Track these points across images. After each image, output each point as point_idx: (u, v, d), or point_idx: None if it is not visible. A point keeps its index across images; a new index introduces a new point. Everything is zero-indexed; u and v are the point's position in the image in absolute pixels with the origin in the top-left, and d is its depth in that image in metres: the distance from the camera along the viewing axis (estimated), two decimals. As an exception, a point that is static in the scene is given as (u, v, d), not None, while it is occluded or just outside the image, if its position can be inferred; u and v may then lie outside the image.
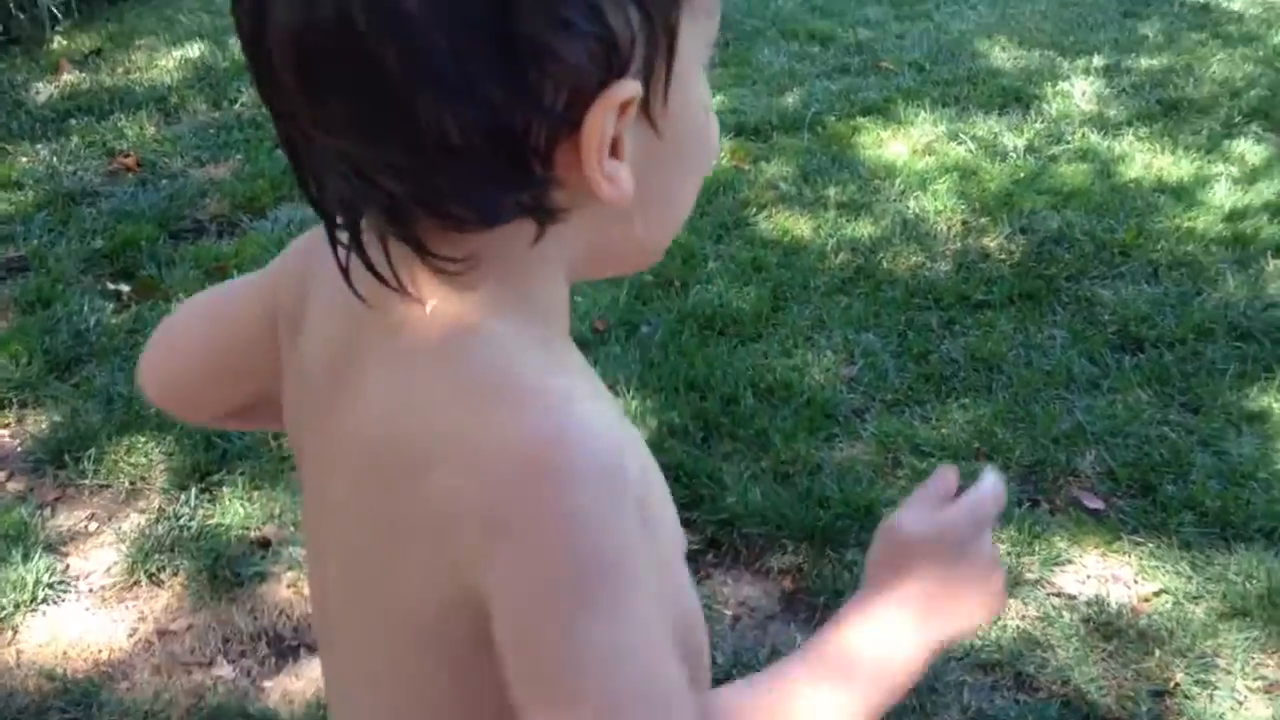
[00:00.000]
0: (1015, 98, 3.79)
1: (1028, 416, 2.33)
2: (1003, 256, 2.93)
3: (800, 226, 3.03)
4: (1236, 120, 3.63)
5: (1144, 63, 4.04)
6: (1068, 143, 3.50)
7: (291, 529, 2.06)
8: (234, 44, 4.15)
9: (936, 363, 2.49)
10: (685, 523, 2.25)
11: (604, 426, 0.57)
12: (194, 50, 4.10)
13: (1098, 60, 4.03)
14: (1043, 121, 3.63)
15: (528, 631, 0.54)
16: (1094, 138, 3.52)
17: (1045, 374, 2.46)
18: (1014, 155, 3.42)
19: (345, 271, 0.61)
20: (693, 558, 2.01)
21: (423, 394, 0.60)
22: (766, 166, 3.35)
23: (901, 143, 3.49)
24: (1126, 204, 3.15)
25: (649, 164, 0.59)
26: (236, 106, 3.71)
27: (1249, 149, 3.44)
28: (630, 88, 0.56)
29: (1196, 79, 3.91)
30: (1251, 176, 3.29)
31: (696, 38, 0.59)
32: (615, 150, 0.56)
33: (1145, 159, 3.40)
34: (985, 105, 3.74)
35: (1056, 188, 3.24)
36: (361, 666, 0.67)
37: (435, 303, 0.60)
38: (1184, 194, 3.20)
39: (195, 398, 0.82)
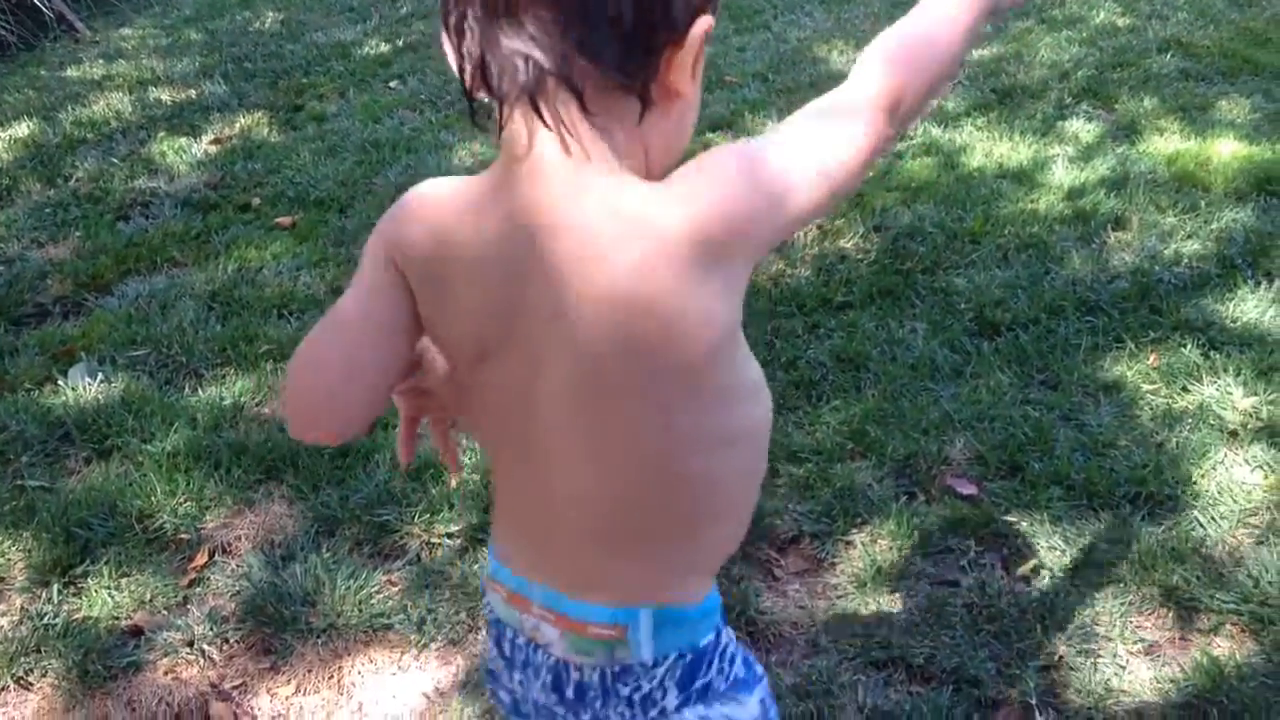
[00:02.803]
0: (858, 99, 3.89)
1: (897, 411, 2.37)
2: (860, 256, 2.99)
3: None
4: (1067, 101, 3.78)
5: (975, 54, 4.16)
6: (911, 139, 3.59)
7: (164, 613, 1.99)
8: (65, 119, 4.03)
9: (805, 368, 2.52)
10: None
11: None
12: (23, 129, 3.96)
13: (932, 55, 4.15)
14: (886, 120, 3.72)
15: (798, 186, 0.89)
16: (935, 131, 3.62)
17: (910, 368, 2.51)
18: (861, 156, 3.49)
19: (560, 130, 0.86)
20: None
21: (624, 222, 0.86)
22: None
23: (752, 154, 3.54)
24: (972, 193, 3.24)
25: (690, 84, 0.88)
26: (72, 183, 3.59)
27: (1081, 128, 3.58)
28: (710, 20, 0.86)
29: (1026, 65, 4.06)
30: (1086, 154, 3.42)
31: None
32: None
33: (986, 147, 3.50)
34: (830, 109, 3.82)
35: (905, 184, 3.32)
36: (610, 436, 0.95)
37: (581, 161, 0.87)
38: (1025, 177, 3.31)
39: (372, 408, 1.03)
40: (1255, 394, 2.32)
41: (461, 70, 0.88)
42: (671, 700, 1.07)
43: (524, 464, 1.03)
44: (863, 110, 0.91)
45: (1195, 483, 2.12)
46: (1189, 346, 2.48)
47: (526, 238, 0.89)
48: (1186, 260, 2.81)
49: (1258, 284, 2.68)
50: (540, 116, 0.85)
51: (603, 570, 1.04)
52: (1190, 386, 2.37)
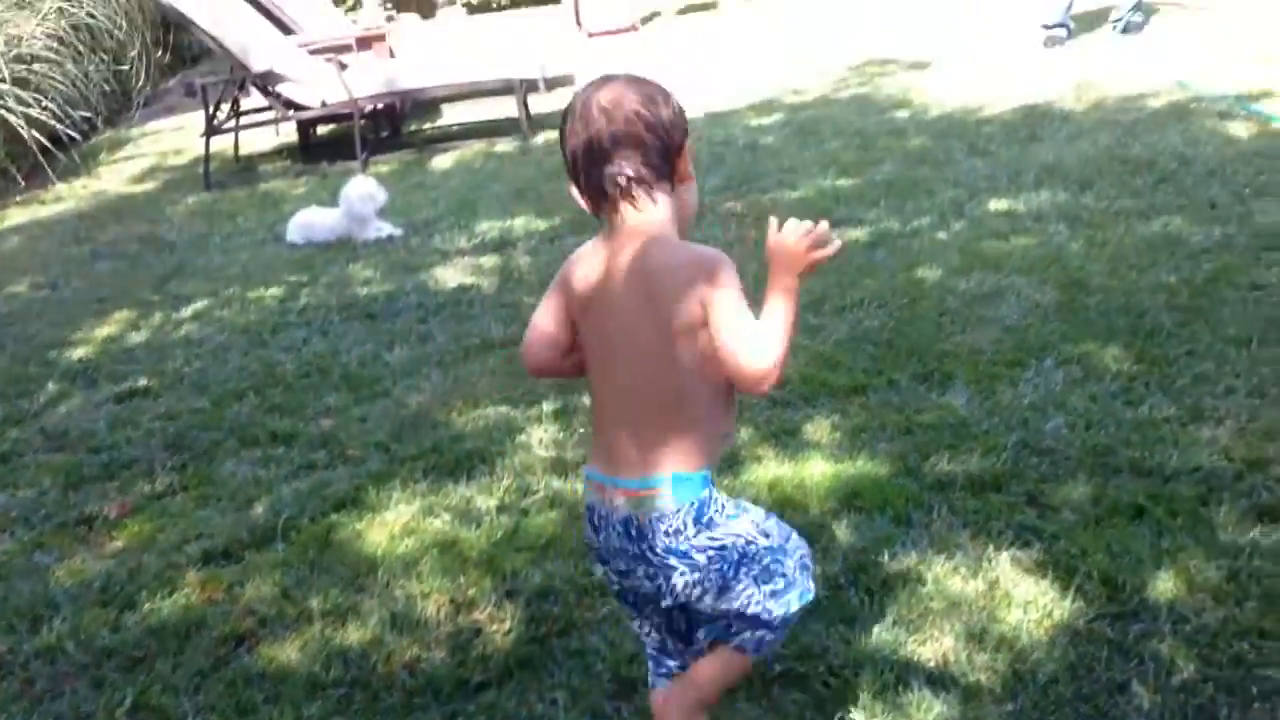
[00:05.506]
0: (481, 459, 3.93)
1: (544, 800, 2.28)
2: (495, 627, 2.95)
3: (286, 651, 2.89)
4: (675, 439, 4.01)
5: (587, 400, 4.37)
6: (535, 493, 3.67)
7: None
8: None
9: (446, 767, 2.40)
10: None
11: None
12: None
13: (548, 406, 4.31)
14: (510, 476, 3.79)
15: (722, 309, 1.90)
16: (557, 483, 3.72)
17: (553, 746, 2.45)
18: (489, 518, 3.52)
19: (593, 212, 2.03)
20: None
21: (656, 259, 1.95)
22: (241, 591, 3.20)
23: (379, 531, 3.49)
24: (598, 542, 3.32)
25: (690, 171, 2.05)
26: None
27: (690, 464, 3.79)
28: (688, 142, 2.02)
29: (634, 407, 4.31)
30: (697, 489, 3.61)
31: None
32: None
33: (606, 494, 3.63)
34: (454, 473, 3.85)
35: (533, 542, 3.36)
36: (642, 369, 1.97)
37: (643, 223, 1.98)
38: (645, 520, 3.44)
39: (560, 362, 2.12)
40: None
41: (585, 198, 2.00)
42: (688, 529, 1.97)
43: (600, 388, 2.06)
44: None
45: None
46: (811, 676, 2.58)
47: (610, 261, 1.99)
48: (797, 587, 2.97)
49: (862, 601, 2.87)
50: (631, 202, 1.95)
51: (642, 457, 1.97)
52: (817, 720, 2.44)
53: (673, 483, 1.95)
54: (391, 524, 3.52)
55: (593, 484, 2.05)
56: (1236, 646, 2.53)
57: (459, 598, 3.10)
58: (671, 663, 2.20)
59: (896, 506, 3.32)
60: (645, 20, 13.80)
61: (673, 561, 1.97)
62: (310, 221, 6.90)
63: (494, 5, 16.17)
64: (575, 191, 2.01)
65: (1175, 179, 5.88)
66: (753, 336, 1.88)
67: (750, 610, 2.04)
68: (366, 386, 4.68)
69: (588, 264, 2.02)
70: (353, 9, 15.03)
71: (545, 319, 2.09)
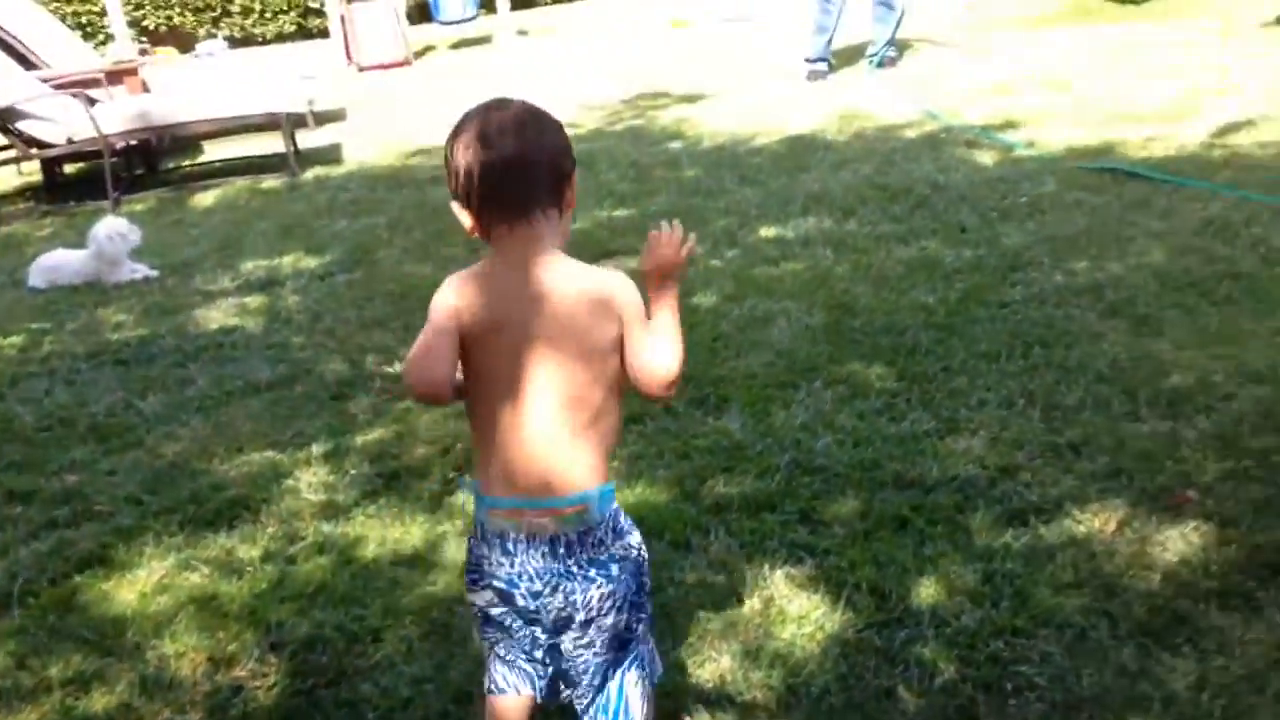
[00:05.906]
0: (245, 507, 3.72)
1: None
2: (257, 684, 2.77)
3: (18, 727, 2.63)
4: (451, 475, 3.91)
5: (360, 440, 4.22)
6: (303, 539, 3.49)
7: None
8: None
9: (199, 840, 2.22)
10: None
11: None
12: None
13: (317, 449, 4.13)
14: (275, 524, 3.60)
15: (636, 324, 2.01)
16: (327, 528, 3.55)
17: (319, 806, 2.30)
18: (251, 569, 3.33)
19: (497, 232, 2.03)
20: None
21: (567, 279, 2.00)
22: (-32, 666, 2.90)
23: (128, 590, 3.24)
24: (370, 586, 3.18)
25: (574, 198, 2.06)
26: None
27: (468, 500, 3.69)
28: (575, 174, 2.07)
29: (409, 444, 4.17)
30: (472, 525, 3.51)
31: None
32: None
33: (379, 535, 3.49)
34: (214, 523, 3.62)
35: (300, 590, 3.19)
36: (563, 388, 1.99)
37: (539, 243, 2.00)
38: (420, 560, 3.32)
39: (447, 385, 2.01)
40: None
41: (475, 216, 2.00)
42: (609, 539, 2.05)
43: (510, 412, 1.99)
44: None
45: None
46: None
47: (518, 284, 1.98)
48: (576, 618, 2.91)
49: (640, 628, 2.83)
50: (529, 225, 1.98)
51: (568, 474, 1.99)
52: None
53: (598, 496, 2.02)
54: (143, 581, 3.28)
55: (501, 511, 2.03)
56: (993, 645, 2.63)
57: (218, 655, 2.90)
58: (531, 664, 2.18)
59: (675, 531, 3.32)
60: (419, 54, 13.66)
61: (593, 573, 2.04)
62: (55, 264, 6.46)
63: (259, 39, 15.69)
64: (460, 209, 2.01)
65: (929, 204, 6.18)
66: (659, 345, 1.99)
67: (637, 628, 2.14)
68: (116, 437, 4.37)
69: (482, 286, 2.00)
70: (104, 44, 14.28)
71: (437, 339, 1.97)
